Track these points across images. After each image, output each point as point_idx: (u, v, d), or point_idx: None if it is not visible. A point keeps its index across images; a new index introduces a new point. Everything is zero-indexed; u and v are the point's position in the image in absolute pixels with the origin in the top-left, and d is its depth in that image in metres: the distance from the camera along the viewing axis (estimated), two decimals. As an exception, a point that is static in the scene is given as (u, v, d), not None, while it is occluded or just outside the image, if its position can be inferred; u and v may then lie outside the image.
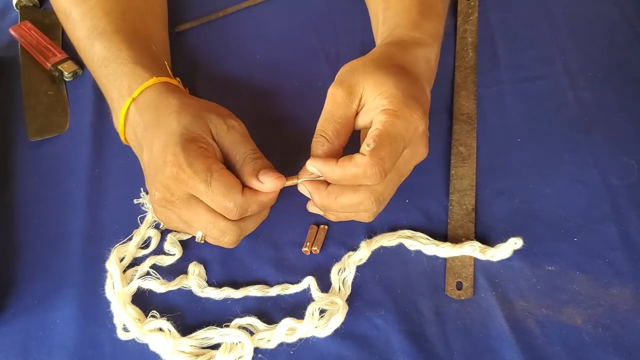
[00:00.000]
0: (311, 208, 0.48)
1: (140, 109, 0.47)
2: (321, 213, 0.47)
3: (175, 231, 0.50)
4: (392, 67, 0.45)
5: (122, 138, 0.50)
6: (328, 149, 0.44)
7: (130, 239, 0.50)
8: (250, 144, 0.46)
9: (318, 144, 0.44)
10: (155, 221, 0.51)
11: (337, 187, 0.44)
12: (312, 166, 0.43)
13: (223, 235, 0.45)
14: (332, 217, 0.48)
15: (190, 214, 0.44)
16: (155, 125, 0.45)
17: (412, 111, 0.42)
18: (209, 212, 0.44)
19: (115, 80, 0.49)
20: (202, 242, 0.46)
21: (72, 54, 0.60)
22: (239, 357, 0.44)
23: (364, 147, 0.41)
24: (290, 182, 0.45)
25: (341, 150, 0.45)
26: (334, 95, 0.44)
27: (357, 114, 0.45)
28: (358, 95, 0.44)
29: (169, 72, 0.51)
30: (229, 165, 0.45)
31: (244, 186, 0.44)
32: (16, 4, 0.66)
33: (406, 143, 0.42)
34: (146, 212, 0.51)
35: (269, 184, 0.43)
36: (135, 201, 0.52)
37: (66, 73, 0.60)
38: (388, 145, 0.41)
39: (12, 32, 0.63)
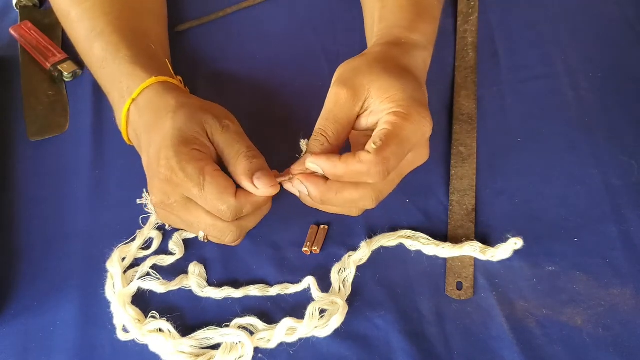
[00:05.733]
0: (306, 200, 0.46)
1: (140, 110, 0.47)
2: (315, 206, 0.46)
3: (181, 230, 0.50)
4: (397, 69, 0.45)
5: (125, 138, 0.50)
6: (327, 149, 0.43)
7: (133, 239, 0.50)
8: (244, 141, 0.45)
9: (317, 143, 0.43)
10: (158, 223, 0.51)
11: (339, 182, 0.43)
12: (314, 163, 0.42)
13: (223, 236, 0.45)
14: (322, 209, 0.46)
15: (189, 216, 0.44)
16: (153, 126, 0.45)
17: (422, 117, 0.42)
18: (207, 214, 0.44)
19: (114, 81, 0.49)
20: (206, 241, 0.46)
21: (71, 54, 0.60)
22: (239, 357, 0.44)
23: (370, 145, 0.40)
24: (282, 179, 0.44)
25: (338, 150, 0.44)
26: (338, 95, 0.43)
27: (358, 116, 0.44)
28: (362, 98, 0.43)
29: (170, 70, 0.51)
30: (223, 163, 0.45)
31: (238, 187, 0.43)
32: (16, 4, 0.66)
33: (412, 147, 0.42)
34: (148, 212, 0.51)
35: (262, 189, 0.43)
36: (138, 201, 0.51)
37: (66, 73, 0.60)
38: (395, 145, 0.41)
39: (12, 32, 0.63)
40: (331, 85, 0.45)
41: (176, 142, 0.42)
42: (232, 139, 0.44)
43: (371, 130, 0.43)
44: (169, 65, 0.51)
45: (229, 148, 0.44)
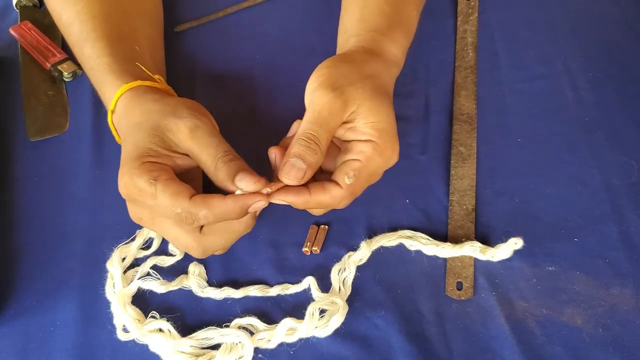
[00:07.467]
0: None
1: (118, 120, 0.47)
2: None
3: None
4: (385, 92, 0.45)
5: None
6: (319, 158, 0.42)
7: (133, 239, 0.50)
8: (220, 144, 0.42)
9: (311, 151, 0.42)
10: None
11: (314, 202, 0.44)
12: (283, 200, 0.42)
13: (186, 249, 0.45)
14: None
15: (159, 230, 0.44)
16: (122, 140, 0.45)
17: (393, 151, 0.44)
18: (172, 226, 0.43)
19: (99, 90, 0.49)
20: None
21: (71, 54, 0.60)
22: (239, 358, 0.44)
23: (344, 179, 0.42)
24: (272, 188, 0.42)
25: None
26: (331, 104, 0.42)
27: None
28: (351, 110, 0.43)
29: (146, 72, 0.49)
30: (203, 168, 0.43)
31: (198, 193, 0.41)
32: (16, 4, 0.66)
33: (379, 175, 0.45)
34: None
35: (247, 188, 0.41)
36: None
37: (65, 73, 0.60)
38: (364, 180, 0.43)
39: (12, 32, 0.63)
40: (317, 86, 0.43)
41: (131, 159, 0.41)
42: (204, 144, 0.42)
43: (342, 140, 0.45)
44: (143, 68, 0.49)
45: (203, 154, 0.42)
